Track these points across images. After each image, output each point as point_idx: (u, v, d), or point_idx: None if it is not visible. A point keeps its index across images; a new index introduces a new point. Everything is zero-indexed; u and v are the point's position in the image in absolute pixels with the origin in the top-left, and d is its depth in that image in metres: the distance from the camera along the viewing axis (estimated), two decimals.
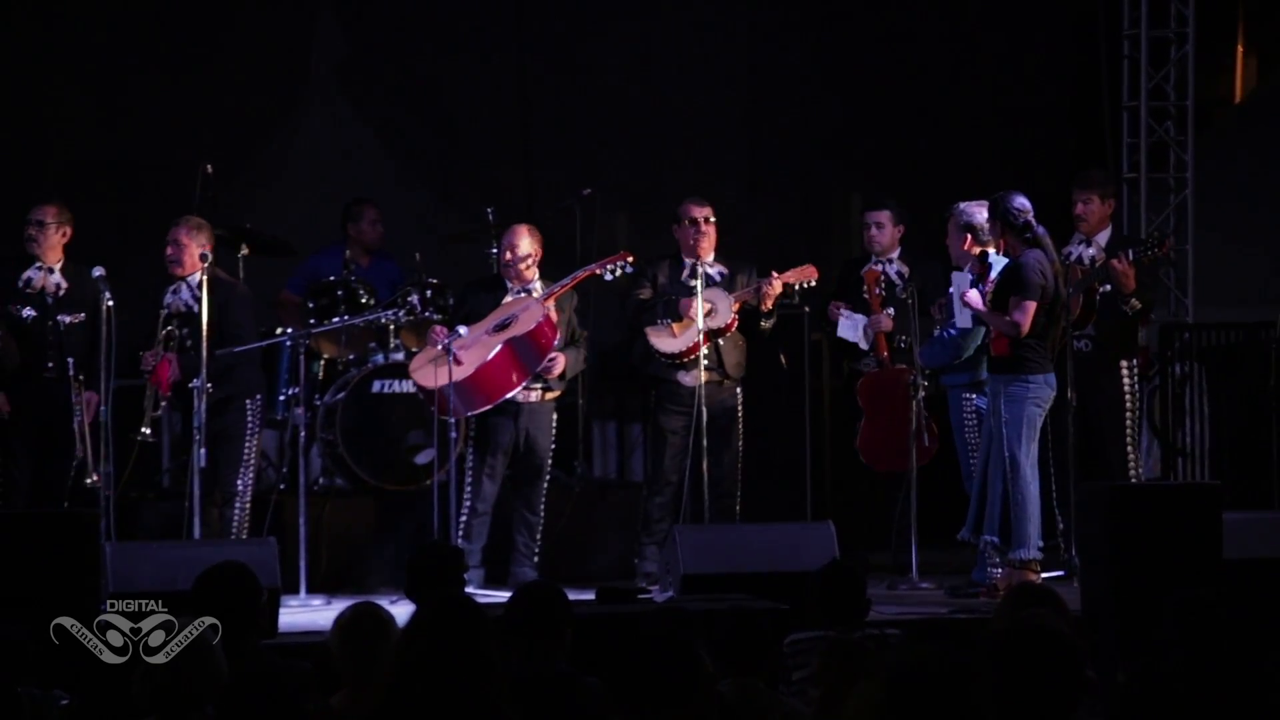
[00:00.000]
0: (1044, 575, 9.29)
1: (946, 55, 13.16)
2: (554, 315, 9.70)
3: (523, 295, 9.82)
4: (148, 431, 9.52)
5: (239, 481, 9.64)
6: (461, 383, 9.52)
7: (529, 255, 9.81)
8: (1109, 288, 9.77)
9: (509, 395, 9.62)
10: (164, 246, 9.64)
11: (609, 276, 9.95)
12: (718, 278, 10.02)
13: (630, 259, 9.96)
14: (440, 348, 9.52)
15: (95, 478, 9.29)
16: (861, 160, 13.12)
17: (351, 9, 13.05)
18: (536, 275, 9.87)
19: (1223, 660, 5.63)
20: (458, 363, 9.50)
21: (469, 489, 9.78)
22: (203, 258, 9.46)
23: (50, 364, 9.56)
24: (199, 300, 9.45)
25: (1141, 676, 5.14)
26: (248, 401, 9.69)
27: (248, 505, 9.69)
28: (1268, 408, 11.01)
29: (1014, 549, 9.05)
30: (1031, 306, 8.94)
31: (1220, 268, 12.52)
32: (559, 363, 9.78)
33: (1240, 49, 14.73)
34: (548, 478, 9.92)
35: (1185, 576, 7.59)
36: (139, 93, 12.15)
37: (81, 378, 9.46)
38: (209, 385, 9.25)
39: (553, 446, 9.92)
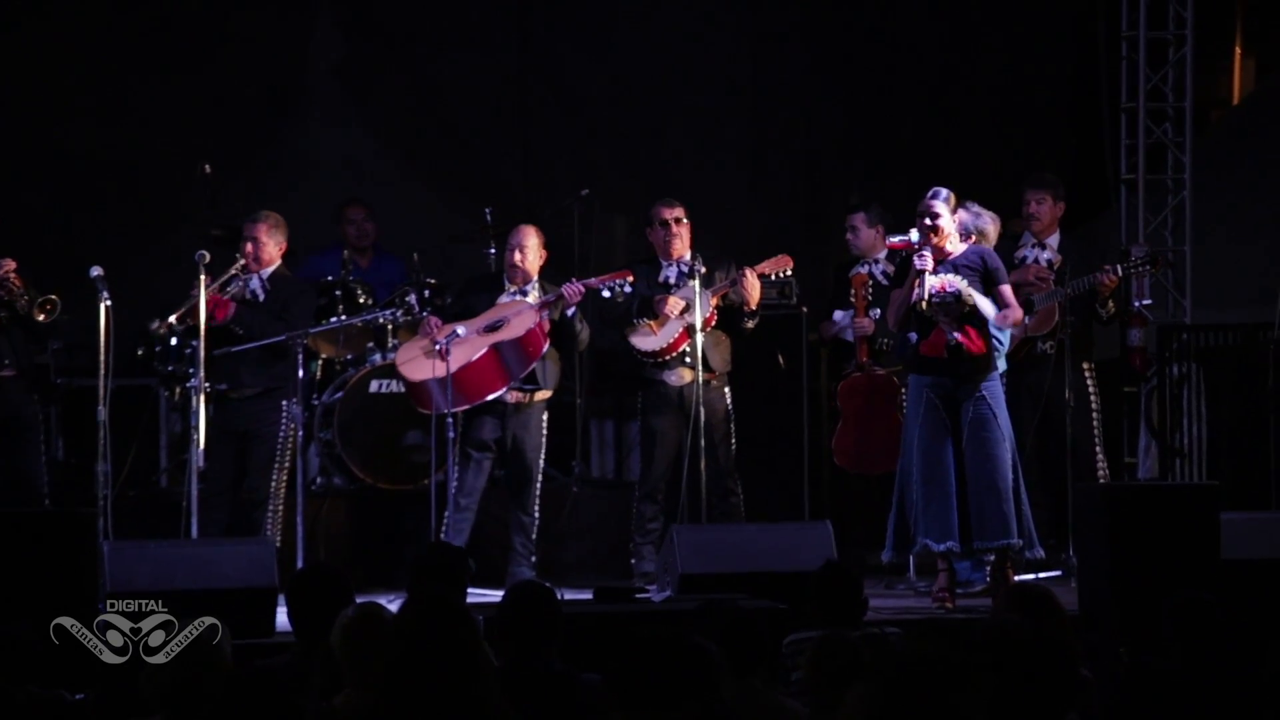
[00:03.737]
0: (1042, 575, 9.29)
1: (946, 56, 13.17)
2: (545, 324, 9.68)
3: (518, 298, 9.80)
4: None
5: (270, 483, 9.62)
6: (443, 378, 9.52)
7: (535, 256, 9.80)
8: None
9: (490, 398, 9.59)
10: (242, 243, 9.69)
11: (606, 294, 9.85)
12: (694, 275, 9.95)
13: (631, 278, 9.86)
14: (438, 346, 9.50)
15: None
16: (862, 160, 13.13)
17: (351, 9, 13.06)
18: (536, 277, 9.87)
19: (1220, 660, 5.65)
20: (444, 359, 9.53)
21: (454, 484, 9.74)
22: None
23: None
24: (267, 292, 9.57)
25: (1140, 675, 5.15)
26: (284, 402, 9.66)
27: (280, 509, 9.66)
28: (1265, 408, 11.01)
29: (1031, 547, 8.95)
30: None
31: (1218, 269, 12.51)
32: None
33: (1238, 51, 14.75)
34: (540, 478, 9.90)
35: (1183, 577, 7.60)
36: (139, 93, 12.15)
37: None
38: (206, 384, 9.26)
39: (543, 447, 9.88)
